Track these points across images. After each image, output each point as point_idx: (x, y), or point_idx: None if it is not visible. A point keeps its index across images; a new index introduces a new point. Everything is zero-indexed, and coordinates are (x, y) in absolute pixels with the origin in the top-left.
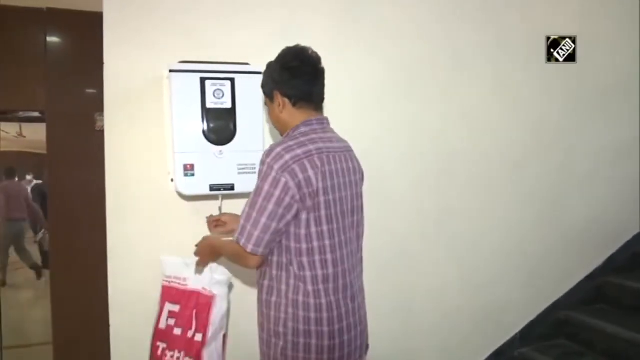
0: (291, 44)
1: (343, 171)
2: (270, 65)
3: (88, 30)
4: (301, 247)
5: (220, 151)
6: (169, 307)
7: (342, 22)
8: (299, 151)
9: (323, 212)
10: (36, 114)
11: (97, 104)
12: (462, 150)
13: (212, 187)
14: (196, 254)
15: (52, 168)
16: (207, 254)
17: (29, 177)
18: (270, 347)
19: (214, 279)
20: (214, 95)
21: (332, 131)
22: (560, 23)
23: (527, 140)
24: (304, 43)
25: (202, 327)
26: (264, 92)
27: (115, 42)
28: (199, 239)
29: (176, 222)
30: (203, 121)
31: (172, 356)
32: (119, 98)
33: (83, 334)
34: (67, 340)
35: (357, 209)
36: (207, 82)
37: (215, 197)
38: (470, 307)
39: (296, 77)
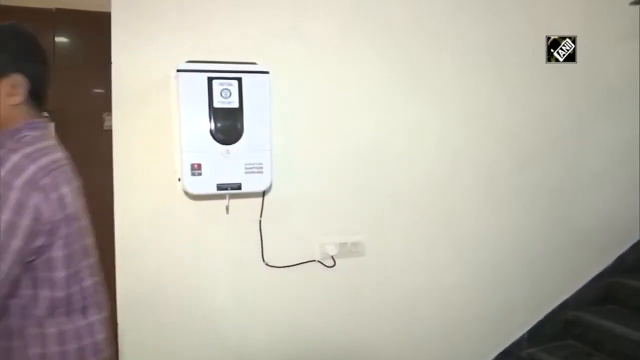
0: (298, 43)
1: (79, 189)
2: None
3: (96, 30)
4: (57, 295)
5: (227, 150)
6: None
7: (348, 22)
8: (44, 160)
9: (86, 242)
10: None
11: (105, 103)
12: (468, 150)
13: (219, 187)
14: None
15: None
16: None
17: None
18: None
19: None
20: (221, 95)
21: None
22: (560, 23)
23: (533, 140)
24: (311, 42)
25: None
26: None
27: (123, 42)
28: (204, 239)
29: (184, 221)
30: (210, 120)
31: None
32: (127, 98)
33: None
34: None
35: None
36: (215, 82)
37: (222, 197)
38: (477, 307)
39: (43, 63)
